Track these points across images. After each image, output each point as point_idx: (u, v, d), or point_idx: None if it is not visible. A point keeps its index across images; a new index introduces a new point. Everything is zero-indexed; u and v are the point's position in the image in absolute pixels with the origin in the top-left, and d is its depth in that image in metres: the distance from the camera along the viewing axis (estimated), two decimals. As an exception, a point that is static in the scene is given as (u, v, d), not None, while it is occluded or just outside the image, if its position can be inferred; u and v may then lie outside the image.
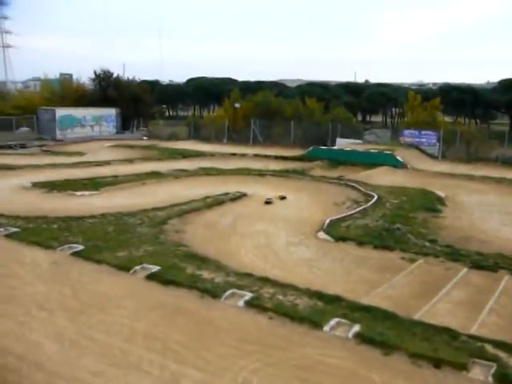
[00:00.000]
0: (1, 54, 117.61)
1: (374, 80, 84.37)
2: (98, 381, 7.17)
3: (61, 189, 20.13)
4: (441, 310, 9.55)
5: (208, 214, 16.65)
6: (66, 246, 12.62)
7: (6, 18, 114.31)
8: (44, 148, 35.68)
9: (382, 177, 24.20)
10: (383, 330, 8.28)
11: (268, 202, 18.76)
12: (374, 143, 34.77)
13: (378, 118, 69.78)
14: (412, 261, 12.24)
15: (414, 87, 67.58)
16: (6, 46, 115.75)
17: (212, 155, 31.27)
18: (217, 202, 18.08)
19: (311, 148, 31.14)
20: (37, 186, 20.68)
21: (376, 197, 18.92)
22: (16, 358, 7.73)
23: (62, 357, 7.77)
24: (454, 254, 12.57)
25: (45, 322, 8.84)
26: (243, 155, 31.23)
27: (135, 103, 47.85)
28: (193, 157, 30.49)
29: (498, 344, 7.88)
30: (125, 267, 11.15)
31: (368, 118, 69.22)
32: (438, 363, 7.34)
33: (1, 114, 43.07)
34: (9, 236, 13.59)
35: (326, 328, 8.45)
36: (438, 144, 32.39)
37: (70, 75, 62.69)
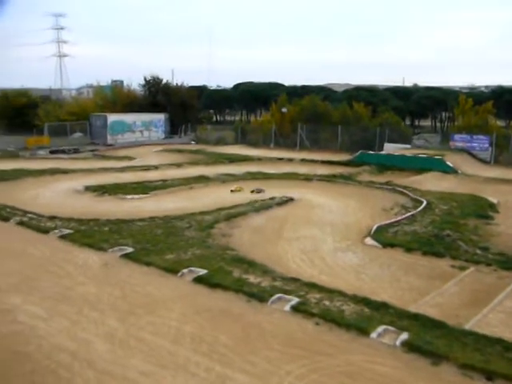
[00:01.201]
0: (57, 62, 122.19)
1: (422, 83, 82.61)
2: (147, 381, 7.32)
3: (111, 192, 20.67)
4: (493, 320, 9.25)
5: (255, 218, 16.72)
6: (117, 248, 12.95)
7: (62, 28, 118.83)
8: (96, 153, 36.70)
9: (432, 182, 23.69)
10: (432, 339, 8.12)
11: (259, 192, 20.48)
12: (423, 148, 34.06)
13: (427, 123, 68.29)
14: (462, 269, 11.93)
15: (464, 90, 65.76)
16: (62, 56, 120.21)
17: (259, 160, 31.39)
18: (264, 206, 18.13)
19: (358, 153, 30.82)
20: (89, 189, 21.33)
21: (425, 202, 18.55)
22: (69, 355, 7.99)
23: (112, 356, 7.98)
24: (508, 263, 12.17)
25: (96, 322, 9.10)
26: (290, 160, 31.21)
27: (183, 108, 48.57)
28: (240, 161, 30.69)
29: (554, 357, 7.59)
30: (173, 270, 11.35)
31: (417, 122, 67.90)
32: (490, 375, 7.14)
33: (56, 119, 44.65)
34: (62, 237, 14.08)
35: (373, 335, 8.35)
36: (490, 148, 31.43)
37: (121, 82, 64.32)
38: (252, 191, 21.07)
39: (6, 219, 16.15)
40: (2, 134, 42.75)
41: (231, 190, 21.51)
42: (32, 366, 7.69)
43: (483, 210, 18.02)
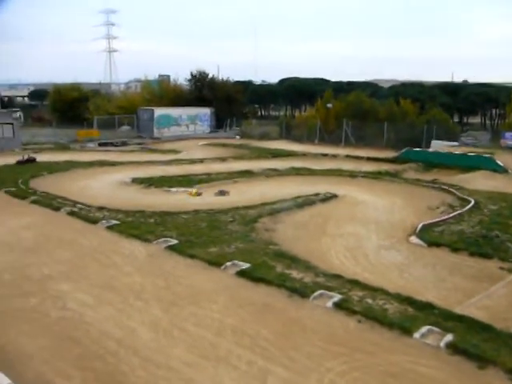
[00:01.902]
0: (107, 57, 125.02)
1: (473, 80, 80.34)
2: (189, 370, 7.46)
3: (157, 185, 21.06)
4: (543, 325, 8.98)
5: (298, 213, 16.70)
6: (162, 239, 13.20)
7: (112, 24, 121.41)
8: (143, 146, 37.41)
9: (480, 181, 23.06)
10: (478, 342, 7.94)
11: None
12: (472, 146, 33.20)
13: (476, 120, 66.45)
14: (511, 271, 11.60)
15: (517, 87, 63.63)
16: (111, 51, 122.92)
17: (303, 155, 31.30)
18: (308, 202, 18.09)
19: (405, 150, 30.30)
20: (136, 181, 21.80)
21: (473, 202, 18.10)
22: (115, 341, 8.23)
23: (156, 345, 8.17)
24: (559, 266, 11.76)
25: (141, 311, 9.33)
26: (334, 156, 31.00)
27: (229, 103, 48.88)
28: (284, 156, 30.69)
29: None
30: (216, 263, 11.50)
31: (465, 119, 66.16)
32: (538, 381, 6.93)
33: (105, 113, 45.77)
34: (110, 228, 14.46)
35: (417, 335, 8.24)
36: (543, 148, 30.38)
37: (168, 76, 65.11)
38: (216, 193, 19.81)
39: (57, 209, 16.69)
40: (54, 127, 44.09)
41: (189, 193, 19.76)
42: (80, 351, 7.96)
43: (534, 211, 17.43)
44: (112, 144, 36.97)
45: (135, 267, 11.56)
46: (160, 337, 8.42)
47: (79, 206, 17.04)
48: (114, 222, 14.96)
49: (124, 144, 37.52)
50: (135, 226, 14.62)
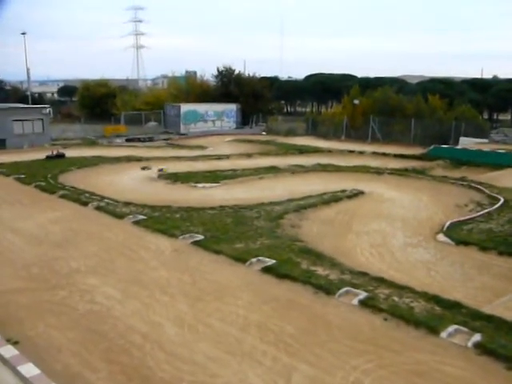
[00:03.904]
0: (134, 54, 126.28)
1: (503, 75, 78.86)
2: (214, 366, 7.50)
3: (183, 180, 21.20)
4: None
5: (324, 210, 16.63)
6: (188, 235, 13.28)
7: (140, 21, 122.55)
8: (169, 141, 37.66)
9: (510, 179, 22.59)
10: (507, 343, 7.80)
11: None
12: (502, 143, 32.55)
13: (506, 117, 65.19)
14: (542, 271, 11.36)
15: (550, 82, 62.05)
16: (139, 47, 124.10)
17: (329, 152, 31.13)
18: (334, 198, 17.99)
19: (432, 147, 29.88)
20: (162, 177, 21.96)
21: (502, 200, 17.76)
22: (141, 336, 8.32)
23: (181, 339, 8.23)
24: None
25: (167, 306, 9.41)
26: (361, 152, 30.73)
27: (255, 99, 48.84)
28: (310, 153, 30.57)
29: None
30: (241, 259, 11.52)
31: (495, 116, 64.91)
32: None
33: (132, 109, 46.21)
34: (136, 223, 14.61)
35: (444, 334, 8.14)
36: None
37: (195, 72, 65.33)
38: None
39: (85, 204, 16.93)
40: (82, 122, 44.73)
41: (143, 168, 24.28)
42: (107, 344, 8.07)
43: None
44: (139, 140, 37.32)
45: (161, 262, 11.66)
46: (185, 332, 8.48)
47: (106, 200, 17.26)
48: (141, 216, 15.11)
49: (151, 140, 37.84)
50: (161, 221, 14.75)
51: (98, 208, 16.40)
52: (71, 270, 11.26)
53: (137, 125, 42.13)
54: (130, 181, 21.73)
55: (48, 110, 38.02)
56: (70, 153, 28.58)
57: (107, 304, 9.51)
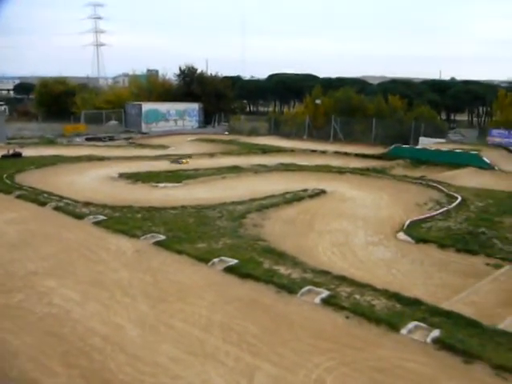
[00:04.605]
0: (94, 51, 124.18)
1: (460, 77, 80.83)
2: (176, 367, 7.41)
3: (145, 180, 20.93)
4: (528, 321, 9.04)
5: (287, 209, 16.68)
6: (149, 235, 13.11)
7: (99, 18, 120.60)
8: (130, 141, 37.16)
9: (467, 178, 23.21)
10: (464, 338, 7.98)
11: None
12: (459, 143, 33.39)
13: (463, 117, 66.88)
14: (497, 267, 11.67)
15: (504, 85, 64.02)
16: (99, 45, 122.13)
17: (292, 151, 31.29)
18: (296, 198, 18.08)
19: (393, 146, 30.40)
20: (123, 176, 21.65)
21: (460, 198, 18.19)
22: (101, 338, 8.15)
23: (143, 341, 8.11)
24: (545, 262, 11.85)
25: (128, 307, 9.25)
26: (323, 152, 30.99)
27: (217, 98, 48.75)
28: (273, 152, 30.66)
29: None
30: (204, 259, 11.44)
31: (453, 116, 66.54)
32: (524, 377, 6.97)
33: (93, 107, 45.43)
34: (97, 223, 14.34)
35: (404, 331, 8.26)
36: (529, 145, 30.62)
37: (157, 71, 64.78)
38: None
39: (43, 204, 16.51)
40: (40, 121, 43.68)
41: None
42: (66, 348, 7.87)
43: (521, 207, 17.56)
44: (99, 139, 36.69)
45: (122, 263, 11.47)
46: (147, 333, 8.36)
47: (65, 201, 16.87)
48: (101, 217, 14.84)
49: (112, 139, 37.26)
50: (122, 221, 14.51)
51: (57, 208, 16.02)
52: (28, 272, 10.95)
53: (97, 124, 41.43)
54: (91, 181, 21.32)
55: (3, 107, 36.98)
56: (27, 152, 27.81)
57: (66, 306, 9.29)
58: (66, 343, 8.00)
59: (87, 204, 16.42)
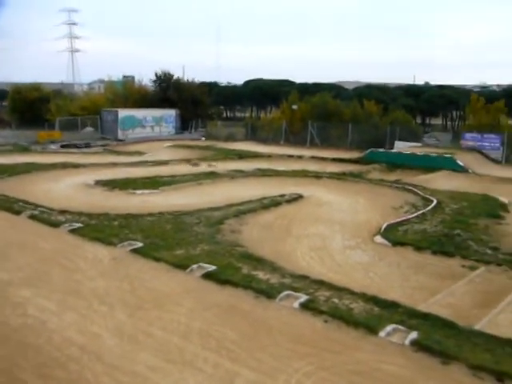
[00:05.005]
0: (69, 57, 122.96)
1: (434, 82, 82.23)
2: (155, 376, 7.35)
3: (121, 187, 20.74)
4: (504, 321, 9.18)
5: (264, 214, 16.69)
6: (126, 242, 12.99)
7: (74, 23, 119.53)
8: (106, 147, 36.84)
9: (442, 181, 23.55)
10: (442, 339, 8.07)
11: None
12: (434, 146, 33.90)
13: (437, 121, 67.96)
14: (473, 268, 11.84)
15: (476, 89, 65.37)
16: (74, 51, 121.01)
17: (269, 156, 31.34)
18: (273, 203, 18.10)
19: (369, 151, 30.69)
20: (99, 183, 21.42)
21: (435, 201, 18.43)
22: (78, 348, 8.04)
23: (121, 350, 8.02)
24: (518, 263, 12.07)
25: (105, 316, 9.14)
26: (300, 157, 31.12)
27: (194, 104, 48.64)
28: (250, 158, 30.67)
29: None
30: (182, 265, 11.36)
31: (427, 120, 67.57)
32: (500, 377, 7.07)
33: (68, 114, 44.90)
34: (73, 231, 14.15)
35: (382, 334, 8.32)
36: (501, 148, 31.20)
37: (133, 77, 64.44)
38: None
39: (18, 213, 16.24)
40: (13, 128, 43.02)
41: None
42: (42, 359, 7.74)
43: (494, 209, 17.86)
44: (75, 146, 36.28)
45: (99, 271, 11.33)
46: (125, 342, 8.27)
47: (41, 209, 16.61)
48: (77, 225, 14.65)
49: (87, 146, 36.88)
50: (99, 229, 14.34)
51: (32, 217, 15.76)
52: (2, 282, 10.74)
53: (72, 130, 40.99)
54: (66, 188, 21.05)
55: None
56: (0, 160, 27.36)
57: (42, 317, 9.14)
58: (41, 354, 7.87)
59: (63, 212, 16.19)
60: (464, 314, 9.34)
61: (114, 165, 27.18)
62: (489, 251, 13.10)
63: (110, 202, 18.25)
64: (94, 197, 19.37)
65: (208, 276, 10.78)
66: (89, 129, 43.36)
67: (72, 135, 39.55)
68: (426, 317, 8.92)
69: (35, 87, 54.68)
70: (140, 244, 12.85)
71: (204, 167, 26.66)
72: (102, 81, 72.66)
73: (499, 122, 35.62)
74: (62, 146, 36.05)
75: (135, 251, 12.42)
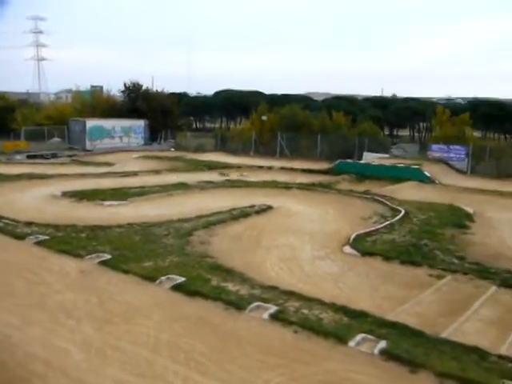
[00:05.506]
0: (35, 66, 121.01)
1: (401, 94, 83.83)
2: (123, 390, 7.21)
3: (89, 198, 20.43)
4: (469, 329, 9.35)
5: (234, 226, 16.66)
6: (94, 254, 12.78)
7: (41, 31, 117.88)
8: (74, 158, 36.34)
9: (409, 192, 23.93)
10: (410, 348, 8.15)
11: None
12: (401, 157, 34.48)
13: (405, 133, 69.19)
14: (440, 277, 12.04)
15: (442, 102, 66.81)
16: (40, 59, 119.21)
17: (238, 167, 31.36)
18: (243, 214, 18.09)
19: (338, 162, 31.01)
20: (66, 195, 21.05)
21: (403, 212, 18.70)
22: (43, 363, 7.83)
23: (88, 365, 7.85)
24: (483, 272, 12.31)
25: (72, 330, 8.94)
26: (270, 168, 31.25)
27: (163, 115, 48.42)
28: (219, 169, 30.62)
29: (529, 365, 7.68)
30: (151, 277, 11.23)
31: (395, 132, 68.71)
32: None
33: (34, 124, 44.12)
34: (39, 243, 13.85)
35: (352, 343, 8.36)
36: (466, 159, 31.96)
37: (101, 87, 63.79)
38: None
39: (-19, 225, 15.82)
40: (-23, 138, 42.07)
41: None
42: (5, 376, 7.52)
43: (460, 219, 18.24)
44: (42, 156, 35.71)
45: (66, 284, 11.11)
46: (92, 356, 8.09)
47: (5, 221, 16.22)
48: (44, 237, 14.35)
49: (54, 156, 36.34)
50: (66, 241, 14.08)
51: (-4, 229, 15.38)
52: (-36, 296, 10.43)
53: (39, 141, 40.32)
54: (32, 199, 20.63)
55: None
56: (-37, 171, 26.70)
57: (4, 331, 8.87)
58: (4, 370, 7.64)
59: (29, 224, 15.85)
60: (431, 323, 9.47)
61: (82, 176, 26.80)
62: (455, 260, 13.34)
63: (78, 213, 17.96)
64: (61, 208, 19.02)
65: (177, 288, 10.68)
66: (56, 139, 42.72)
67: (39, 145, 38.91)
68: (395, 326, 9.01)
69: (0, 96, 53.65)
70: (108, 256, 12.66)
71: (234, 176, 27.37)
72: (69, 90, 71.65)
73: (464, 133, 36.48)
74: (29, 157, 35.43)
75: (103, 263, 12.23)
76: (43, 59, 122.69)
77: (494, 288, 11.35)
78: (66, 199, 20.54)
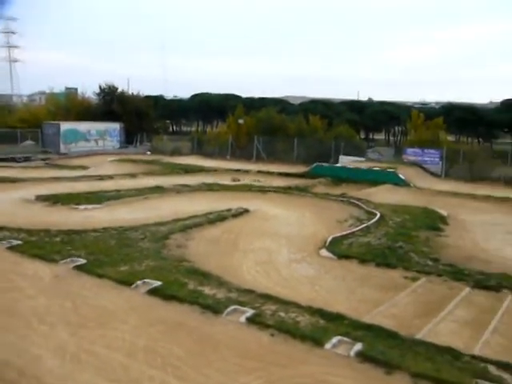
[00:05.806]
0: (8, 68, 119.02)
1: (377, 98, 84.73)
2: (98, 396, 7.12)
3: (64, 202, 20.16)
4: (444, 330, 9.48)
5: (210, 229, 16.62)
6: (69, 259, 12.60)
7: (13, 32, 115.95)
8: (48, 161, 35.84)
9: (385, 195, 24.18)
10: (385, 349, 8.22)
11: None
12: (377, 161, 34.83)
13: (380, 136, 69.97)
14: (414, 279, 12.18)
15: (416, 106, 67.69)
16: (12, 61, 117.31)
17: (215, 171, 31.34)
18: (219, 217, 18.05)
19: (314, 165, 31.19)
20: (40, 199, 20.73)
21: (379, 215, 18.89)
22: (16, 371, 7.68)
23: (63, 371, 7.72)
24: (457, 273, 12.50)
25: (46, 336, 8.80)
26: (246, 171, 31.26)
27: (139, 118, 48.12)
28: (196, 172, 30.56)
29: (502, 365, 7.80)
30: (126, 282, 11.11)
31: (371, 135, 69.40)
32: None
33: (6, 126, 43.38)
34: (11, 248, 13.58)
35: (328, 346, 8.39)
36: (440, 162, 32.46)
37: (76, 89, 63.13)
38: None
39: (-49, 229, 15.46)
40: None
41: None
42: (-24, 383, 7.37)
43: (434, 222, 18.50)
44: (14, 159, 35.12)
45: (40, 289, 10.92)
46: (66, 362, 7.97)
47: (-23, 225, 15.90)
48: (16, 242, 14.09)
49: (27, 159, 35.80)
50: (39, 245, 13.85)
51: (-34, 234, 15.05)
52: None
53: (11, 143, 39.68)
54: (4, 204, 20.23)
55: None
56: None
57: (-24, 338, 8.70)
58: (-24, 378, 7.49)
59: (0, 228, 15.53)
60: (406, 324, 9.57)
61: (56, 179, 26.44)
62: (429, 262, 13.52)
63: (52, 217, 17.70)
64: (34, 212, 18.73)
65: (153, 292, 10.59)
66: (29, 142, 42.07)
67: (11, 148, 38.28)
68: (370, 328, 9.07)
69: (-31, 98, 52.73)
70: (83, 260, 12.49)
71: (246, 181, 27.70)
72: (42, 92, 70.73)
73: (439, 137, 37.07)
74: (0, 160, 34.79)
75: (78, 268, 12.05)
76: (16, 60, 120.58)
77: (467, 289, 11.53)
78: (39, 203, 20.23)
